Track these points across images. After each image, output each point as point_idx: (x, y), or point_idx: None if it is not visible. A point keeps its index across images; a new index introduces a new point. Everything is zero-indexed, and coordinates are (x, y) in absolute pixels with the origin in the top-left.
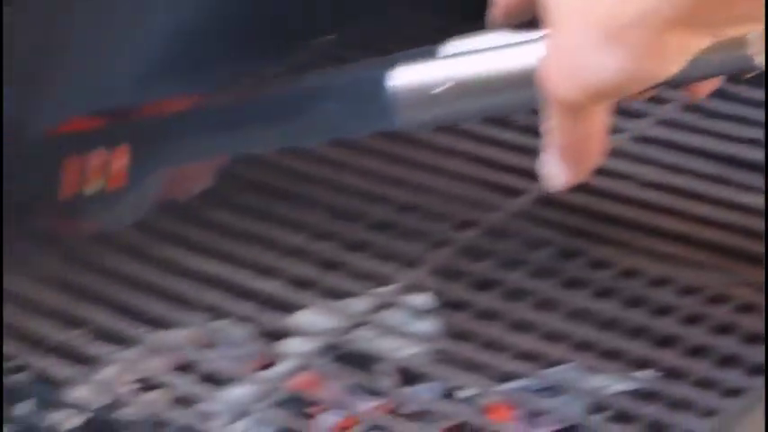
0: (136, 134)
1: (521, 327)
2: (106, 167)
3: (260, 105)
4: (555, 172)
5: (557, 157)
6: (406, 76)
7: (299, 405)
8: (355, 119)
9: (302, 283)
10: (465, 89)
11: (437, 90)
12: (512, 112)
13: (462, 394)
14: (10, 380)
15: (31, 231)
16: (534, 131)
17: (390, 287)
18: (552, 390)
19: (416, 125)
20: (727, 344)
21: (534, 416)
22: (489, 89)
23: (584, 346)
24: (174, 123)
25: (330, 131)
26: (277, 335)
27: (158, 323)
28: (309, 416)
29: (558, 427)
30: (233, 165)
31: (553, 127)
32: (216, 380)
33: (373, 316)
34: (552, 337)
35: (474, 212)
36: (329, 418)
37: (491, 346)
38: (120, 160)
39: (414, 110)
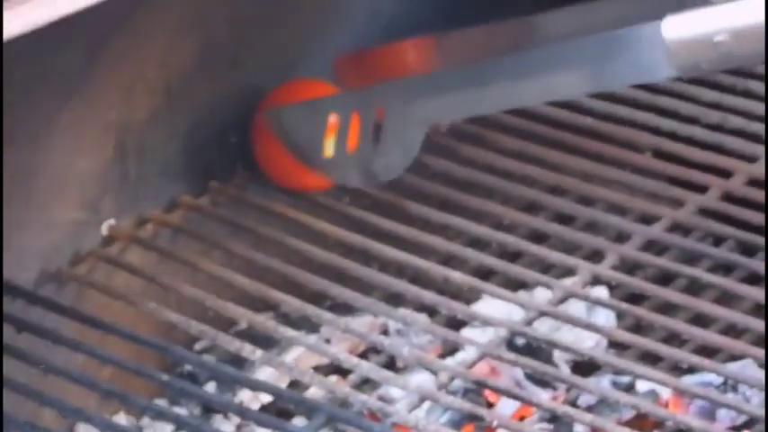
0: (388, 95)
1: (700, 321)
2: (363, 128)
3: (522, 59)
4: None
5: None
6: (681, 25)
7: (479, 393)
8: (630, 68)
9: (484, 273)
10: (743, 36)
11: (717, 38)
12: None
13: (641, 387)
14: (197, 360)
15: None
16: (721, 129)
17: (572, 279)
18: (731, 384)
19: (690, 72)
20: None
21: (713, 410)
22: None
23: (763, 342)
24: (423, 84)
25: (602, 82)
26: (458, 323)
27: (342, 308)
28: (489, 404)
29: (736, 422)
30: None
31: None
32: (397, 366)
33: (554, 307)
34: (731, 331)
35: (657, 207)
36: (508, 407)
37: (671, 339)
38: (377, 121)
39: (690, 57)
